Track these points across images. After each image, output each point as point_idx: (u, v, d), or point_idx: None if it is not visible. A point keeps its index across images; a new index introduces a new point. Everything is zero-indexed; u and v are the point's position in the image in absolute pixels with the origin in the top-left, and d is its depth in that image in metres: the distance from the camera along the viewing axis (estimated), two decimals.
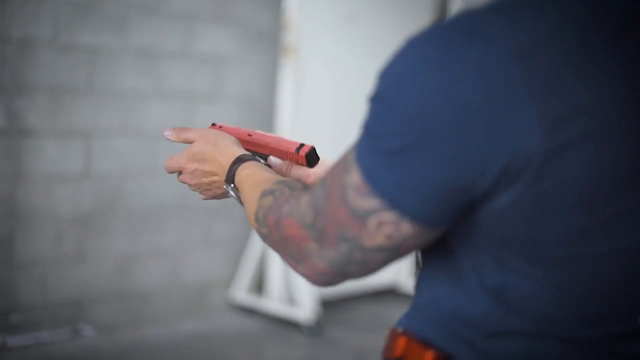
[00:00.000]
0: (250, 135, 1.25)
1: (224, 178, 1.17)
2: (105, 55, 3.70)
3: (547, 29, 0.76)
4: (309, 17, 4.13)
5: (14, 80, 3.41)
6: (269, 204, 1.01)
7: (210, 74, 4.15)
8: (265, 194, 1.04)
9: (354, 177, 0.82)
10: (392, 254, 0.85)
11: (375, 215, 0.82)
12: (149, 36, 3.85)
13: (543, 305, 0.83)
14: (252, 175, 1.11)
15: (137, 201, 3.92)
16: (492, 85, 0.74)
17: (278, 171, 1.22)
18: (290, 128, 4.11)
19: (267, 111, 4.36)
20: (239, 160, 1.16)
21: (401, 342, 0.91)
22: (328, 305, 4.45)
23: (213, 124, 1.30)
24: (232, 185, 1.15)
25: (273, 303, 4.24)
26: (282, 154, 1.22)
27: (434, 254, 0.91)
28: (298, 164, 1.22)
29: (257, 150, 1.24)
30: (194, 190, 1.25)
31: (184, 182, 1.24)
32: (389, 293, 4.89)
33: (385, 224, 0.81)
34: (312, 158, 1.21)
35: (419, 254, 0.95)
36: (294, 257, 0.94)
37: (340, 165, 0.85)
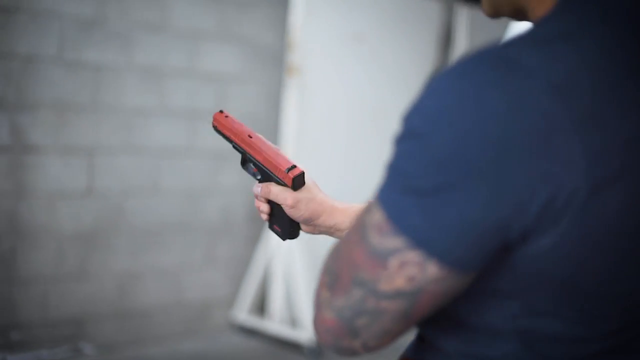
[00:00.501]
0: (250, 137, 1.25)
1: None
2: (110, 72, 3.70)
3: (581, 61, 0.74)
4: (313, 36, 4.14)
5: (18, 96, 3.41)
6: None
7: (215, 93, 4.14)
8: None
9: (376, 216, 0.77)
10: (409, 303, 0.78)
11: (397, 255, 0.76)
12: (153, 54, 3.85)
13: (567, 344, 0.81)
14: None
15: (140, 219, 3.90)
16: (532, 119, 0.71)
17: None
18: (294, 147, 4.10)
19: (272, 130, 4.35)
20: None
21: None
22: None
23: (221, 111, 1.30)
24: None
25: (275, 324, 4.21)
26: (272, 166, 1.22)
27: None
28: (282, 183, 1.21)
29: (250, 153, 1.24)
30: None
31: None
32: None
33: (409, 264, 0.75)
34: (298, 182, 1.20)
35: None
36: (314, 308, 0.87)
37: (364, 210, 0.81)
